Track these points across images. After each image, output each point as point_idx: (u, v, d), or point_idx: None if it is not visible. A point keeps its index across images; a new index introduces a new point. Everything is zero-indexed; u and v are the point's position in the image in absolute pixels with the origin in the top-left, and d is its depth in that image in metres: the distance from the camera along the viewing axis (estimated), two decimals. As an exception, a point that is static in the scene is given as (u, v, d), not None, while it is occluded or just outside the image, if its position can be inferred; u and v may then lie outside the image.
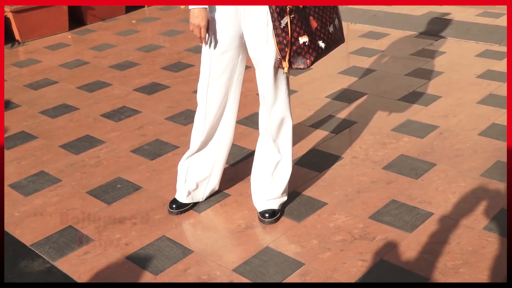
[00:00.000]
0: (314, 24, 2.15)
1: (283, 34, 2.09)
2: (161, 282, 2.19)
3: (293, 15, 2.08)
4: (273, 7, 2.06)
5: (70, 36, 5.45)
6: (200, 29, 2.19)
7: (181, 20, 5.74)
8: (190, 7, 2.19)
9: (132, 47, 5.04)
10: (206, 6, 2.18)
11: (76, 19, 5.73)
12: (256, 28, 2.20)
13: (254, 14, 2.18)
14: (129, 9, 6.17)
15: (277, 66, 2.22)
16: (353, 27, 5.18)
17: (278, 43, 2.11)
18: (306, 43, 2.12)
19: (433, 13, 5.32)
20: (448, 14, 5.27)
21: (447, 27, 4.95)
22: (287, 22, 2.08)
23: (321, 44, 2.17)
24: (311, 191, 2.72)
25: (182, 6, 6.20)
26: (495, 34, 4.68)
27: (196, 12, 2.17)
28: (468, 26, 4.91)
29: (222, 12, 2.20)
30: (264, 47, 2.22)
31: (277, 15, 2.06)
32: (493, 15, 5.15)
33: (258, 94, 2.40)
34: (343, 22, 5.10)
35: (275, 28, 2.09)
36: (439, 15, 5.25)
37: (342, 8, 5.65)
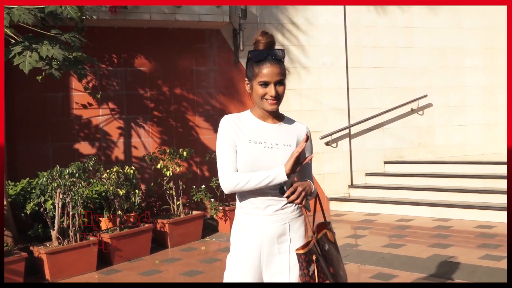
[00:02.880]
0: (331, 269, 2.32)
1: (311, 281, 2.22)
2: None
3: (318, 263, 2.25)
4: (302, 256, 2.22)
5: (96, 276, 5.66)
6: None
7: (202, 260, 5.99)
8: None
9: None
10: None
11: (104, 259, 6.02)
12: (278, 275, 2.36)
13: (276, 262, 2.37)
14: (154, 250, 6.49)
15: None
16: (363, 268, 5.36)
17: None
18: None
19: (438, 256, 5.51)
20: (453, 256, 5.46)
21: (453, 269, 5.09)
22: (314, 270, 2.24)
23: None
24: None
25: (203, 247, 6.51)
26: (499, 276, 4.80)
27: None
28: (473, 269, 5.06)
29: (244, 257, 2.38)
30: None
31: (306, 263, 2.22)
32: (494, 258, 5.33)
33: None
34: (353, 264, 5.34)
35: (303, 275, 2.23)
36: (445, 258, 5.43)
37: (352, 251, 5.90)
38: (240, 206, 2.45)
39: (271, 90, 2.35)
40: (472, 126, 9.69)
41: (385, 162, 9.09)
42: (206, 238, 7.04)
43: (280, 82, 2.38)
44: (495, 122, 9.79)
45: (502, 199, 7.22)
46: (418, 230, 6.82)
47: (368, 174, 8.96)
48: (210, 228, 7.52)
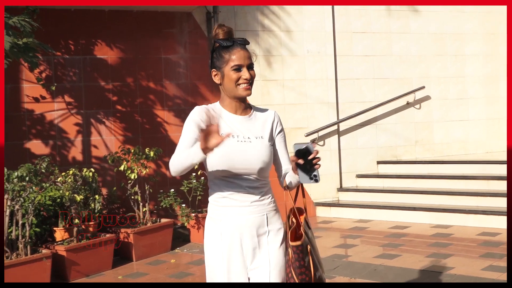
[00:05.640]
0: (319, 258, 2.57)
1: (307, 272, 2.42)
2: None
3: (312, 253, 2.45)
4: (299, 248, 2.41)
5: (50, 294, 5.53)
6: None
7: (171, 275, 5.88)
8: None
9: (115, 306, 5.08)
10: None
11: (59, 274, 5.86)
12: (259, 269, 2.53)
13: (257, 256, 2.54)
14: (116, 263, 6.36)
15: None
16: (353, 282, 5.29)
17: (301, 280, 2.41)
18: (322, 277, 2.49)
19: (437, 267, 5.48)
20: (453, 268, 5.42)
21: (453, 282, 5.06)
22: (309, 261, 2.43)
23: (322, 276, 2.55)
24: None
25: (173, 260, 6.41)
26: (505, 290, 4.78)
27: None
28: (475, 281, 5.02)
29: (224, 255, 2.52)
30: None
31: (303, 254, 2.41)
32: (499, 269, 5.30)
33: None
34: (342, 277, 5.27)
35: (299, 267, 2.41)
36: (444, 270, 5.40)
37: (341, 262, 5.84)
38: (214, 200, 2.61)
39: (245, 73, 2.57)
40: (474, 121, 9.72)
41: (378, 162, 9.09)
42: (176, 250, 6.94)
43: (251, 66, 2.62)
44: (498, 116, 9.83)
45: (507, 203, 7.24)
46: (415, 239, 6.82)
47: (359, 176, 8.94)
48: (181, 238, 7.44)
